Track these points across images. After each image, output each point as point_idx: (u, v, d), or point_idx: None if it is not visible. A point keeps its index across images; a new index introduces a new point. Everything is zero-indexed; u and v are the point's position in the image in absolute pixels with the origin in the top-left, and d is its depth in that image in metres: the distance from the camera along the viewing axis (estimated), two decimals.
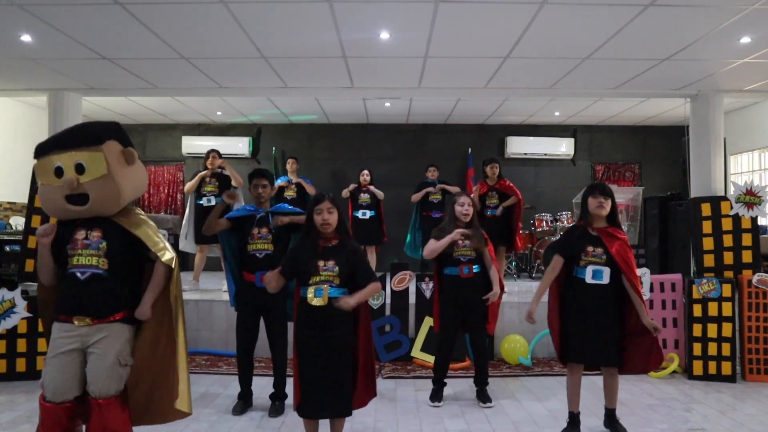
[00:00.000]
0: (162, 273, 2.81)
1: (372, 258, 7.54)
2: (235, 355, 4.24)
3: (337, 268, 2.91)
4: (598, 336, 3.45)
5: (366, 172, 7.73)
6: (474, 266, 4.19)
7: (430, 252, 4.19)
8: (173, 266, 2.82)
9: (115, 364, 2.70)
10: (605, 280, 3.44)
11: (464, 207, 4.20)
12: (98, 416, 2.67)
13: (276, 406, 4.08)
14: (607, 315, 3.47)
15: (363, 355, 3.07)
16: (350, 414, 3.01)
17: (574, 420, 3.62)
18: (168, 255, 2.81)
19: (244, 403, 4.13)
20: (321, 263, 2.92)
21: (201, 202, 6.50)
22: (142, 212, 3.02)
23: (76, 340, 2.69)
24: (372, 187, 7.69)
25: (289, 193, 7.55)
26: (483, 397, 4.28)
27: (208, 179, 6.52)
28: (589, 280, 3.47)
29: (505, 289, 6.36)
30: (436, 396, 4.30)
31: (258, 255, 3.96)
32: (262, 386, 4.61)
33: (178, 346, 2.83)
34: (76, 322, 2.69)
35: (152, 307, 2.80)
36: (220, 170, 6.62)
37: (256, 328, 4.10)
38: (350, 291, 2.97)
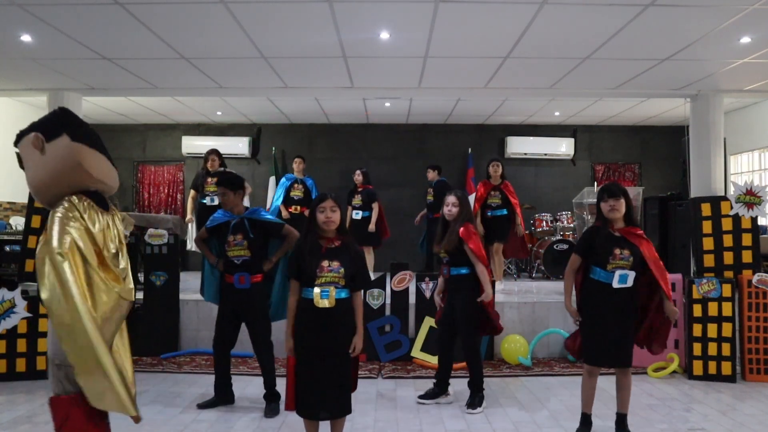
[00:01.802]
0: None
1: (369, 258, 7.49)
2: (234, 355, 4.26)
3: (342, 270, 2.91)
4: (619, 339, 3.44)
5: (358, 171, 7.56)
6: (452, 268, 4.15)
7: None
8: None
9: (51, 363, 2.46)
10: (629, 283, 3.41)
11: (447, 207, 4.18)
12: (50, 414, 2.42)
13: (271, 407, 4.09)
14: (628, 317, 3.47)
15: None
16: (351, 411, 3.03)
17: (586, 420, 3.62)
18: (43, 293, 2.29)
19: (215, 400, 4.17)
20: (326, 263, 2.91)
21: (204, 201, 6.48)
22: (66, 205, 2.44)
23: None
24: (372, 206, 7.43)
25: (296, 193, 7.50)
26: (470, 402, 4.15)
27: (210, 179, 6.50)
28: (616, 285, 3.40)
29: (499, 286, 6.31)
30: (426, 394, 4.31)
31: (236, 261, 4.03)
32: (263, 386, 4.62)
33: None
34: None
35: None
36: (221, 169, 6.59)
37: (234, 328, 4.18)
38: (350, 291, 3.00)
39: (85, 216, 2.47)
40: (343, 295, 2.93)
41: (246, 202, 7.03)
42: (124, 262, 2.62)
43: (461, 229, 4.04)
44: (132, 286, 2.62)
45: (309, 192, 7.52)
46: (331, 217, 2.95)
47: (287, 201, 7.47)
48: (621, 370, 3.54)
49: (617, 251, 3.41)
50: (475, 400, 4.15)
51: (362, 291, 3.09)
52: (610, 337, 3.44)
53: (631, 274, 3.41)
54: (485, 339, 5.51)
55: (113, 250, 2.59)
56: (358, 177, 7.55)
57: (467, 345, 4.19)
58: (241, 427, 3.79)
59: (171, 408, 4.13)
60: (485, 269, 4.07)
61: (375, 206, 7.39)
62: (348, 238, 3.05)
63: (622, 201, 3.45)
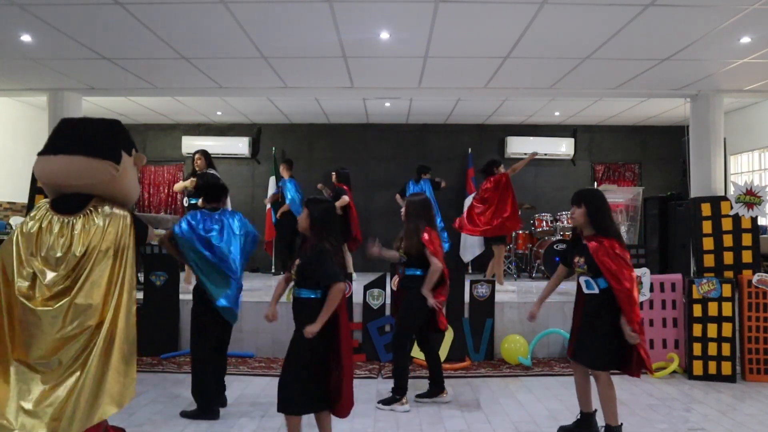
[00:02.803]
0: None
1: (346, 257, 7.52)
2: (234, 355, 4.25)
3: (296, 269, 3.07)
4: (585, 339, 3.45)
5: (333, 173, 7.80)
6: (407, 268, 4.22)
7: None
8: None
9: None
10: (596, 289, 3.38)
11: (401, 209, 4.40)
12: None
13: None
14: (595, 321, 3.39)
15: (346, 363, 3.00)
16: (279, 411, 3.00)
17: (584, 418, 3.60)
18: None
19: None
20: (297, 261, 3.11)
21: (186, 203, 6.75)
22: None
23: None
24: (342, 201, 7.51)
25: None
26: (385, 398, 4.22)
27: (191, 179, 6.60)
28: (585, 290, 3.46)
29: (500, 286, 6.32)
30: (424, 393, 4.35)
31: None
32: (263, 386, 4.63)
33: None
34: None
35: None
36: (207, 170, 6.61)
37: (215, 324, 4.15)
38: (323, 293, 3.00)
39: (27, 219, 2.65)
40: (301, 294, 3.04)
41: (228, 204, 7.18)
42: (55, 270, 2.52)
43: (425, 235, 4.11)
44: (54, 301, 2.49)
45: (284, 195, 8.12)
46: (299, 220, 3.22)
47: (276, 204, 8.16)
48: (593, 373, 3.48)
49: (576, 259, 3.47)
50: (389, 398, 4.18)
51: (335, 287, 2.95)
52: (579, 336, 3.51)
53: (595, 282, 3.37)
54: (485, 339, 5.52)
55: (53, 254, 2.54)
56: (334, 177, 7.79)
57: (394, 342, 4.28)
58: (241, 427, 3.79)
59: (171, 408, 4.13)
60: (439, 270, 4.07)
61: (344, 198, 7.46)
62: (320, 238, 3.07)
63: (582, 209, 3.38)
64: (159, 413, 3.98)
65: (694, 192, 6.29)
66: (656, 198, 7.79)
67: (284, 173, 8.25)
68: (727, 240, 5.34)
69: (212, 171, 6.59)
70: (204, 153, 6.66)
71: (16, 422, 2.39)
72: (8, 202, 8.16)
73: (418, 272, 4.16)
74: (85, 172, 2.68)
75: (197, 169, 6.62)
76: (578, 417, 3.63)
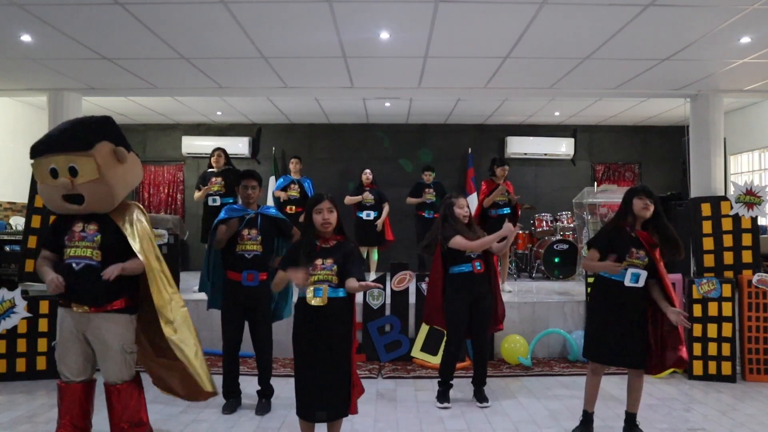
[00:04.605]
0: (139, 261, 2.95)
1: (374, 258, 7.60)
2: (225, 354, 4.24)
3: (335, 267, 2.90)
4: (628, 338, 3.45)
5: (368, 171, 7.67)
6: (483, 262, 4.25)
7: (480, 245, 4.13)
8: (143, 268, 2.97)
9: (122, 352, 2.94)
10: (641, 283, 3.43)
11: (464, 209, 4.28)
12: (117, 400, 2.95)
13: (263, 404, 4.13)
14: (639, 317, 3.47)
15: (354, 354, 3.08)
16: (346, 415, 2.97)
17: (588, 419, 3.64)
18: (141, 258, 2.95)
19: (234, 401, 4.16)
20: (319, 262, 2.91)
21: (207, 202, 6.50)
22: (140, 207, 3.14)
23: (75, 325, 2.90)
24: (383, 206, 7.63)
25: (292, 193, 7.54)
26: (480, 397, 4.29)
27: (213, 179, 6.46)
28: (627, 283, 3.45)
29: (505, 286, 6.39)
30: (444, 396, 4.27)
31: (246, 255, 4.01)
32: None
33: (173, 344, 3.03)
34: (74, 308, 2.88)
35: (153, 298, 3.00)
36: (225, 167, 6.57)
37: (242, 326, 4.15)
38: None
39: None
40: (339, 294, 2.89)
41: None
42: None
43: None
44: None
45: (305, 192, 7.56)
46: (328, 218, 2.95)
47: (284, 201, 7.52)
48: (633, 371, 3.53)
49: (634, 250, 3.47)
50: (484, 394, 4.31)
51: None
52: (618, 336, 3.46)
53: (643, 274, 3.44)
54: None
55: None
56: (368, 176, 7.62)
57: (485, 341, 4.35)
58: (241, 427, 3.79)
59: (171, 408, 4.13)
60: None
61: (386, 206, 7.58)
62: (344, 238, 3.03)
63: (653, 205, 3.50)
64: (159, 413, 3.98)
65: (694, 192, 6.29)
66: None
67: (299, 171, 7.71)
68: (727, 240, 5.35)
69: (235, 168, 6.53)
70: (225, 151, 6.59)
71: None
72: (8, 202, 8.16)
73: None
74: None
75: (215, 165, 6.48)
76: (583, 418, 3.65)
